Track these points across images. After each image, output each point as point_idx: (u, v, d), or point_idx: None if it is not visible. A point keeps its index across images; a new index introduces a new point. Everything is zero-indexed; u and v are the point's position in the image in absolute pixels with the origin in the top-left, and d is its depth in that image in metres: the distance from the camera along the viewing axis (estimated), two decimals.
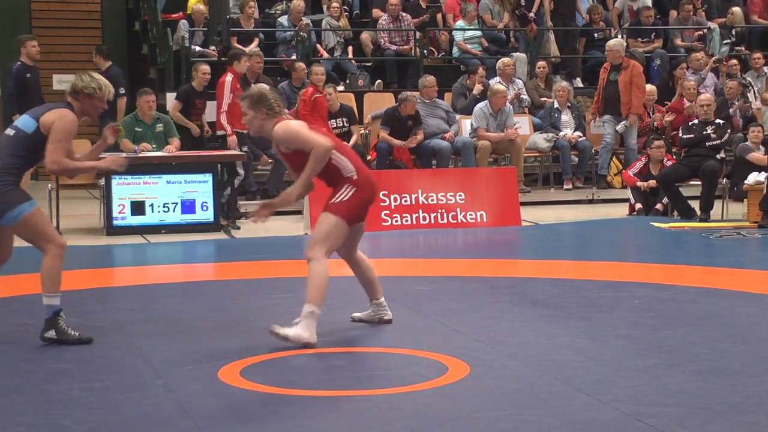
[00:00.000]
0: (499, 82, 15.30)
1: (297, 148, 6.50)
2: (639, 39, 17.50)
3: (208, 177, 11.83)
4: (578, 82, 17.17)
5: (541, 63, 16.38)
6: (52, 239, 6.33)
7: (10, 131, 6.37)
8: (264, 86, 6.91)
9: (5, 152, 6.28)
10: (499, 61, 15.76)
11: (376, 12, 17.32)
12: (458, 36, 17.13)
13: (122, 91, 14.16)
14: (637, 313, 7.34)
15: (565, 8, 17.98)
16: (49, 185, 12.12)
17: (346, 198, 6.56)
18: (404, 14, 16.92)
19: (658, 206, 12.76)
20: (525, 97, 15.76)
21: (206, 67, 13.59)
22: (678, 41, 17.93)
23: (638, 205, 12.93)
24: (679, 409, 5.03)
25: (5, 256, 6.60)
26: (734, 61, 16.84)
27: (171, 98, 13.98)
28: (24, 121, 6.33)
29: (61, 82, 17.24)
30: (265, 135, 6.65)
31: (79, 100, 6.33)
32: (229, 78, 13.18)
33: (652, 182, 12.77)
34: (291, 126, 6.54)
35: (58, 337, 6.26)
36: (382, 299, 6.99)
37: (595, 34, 17.99)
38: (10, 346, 6.40)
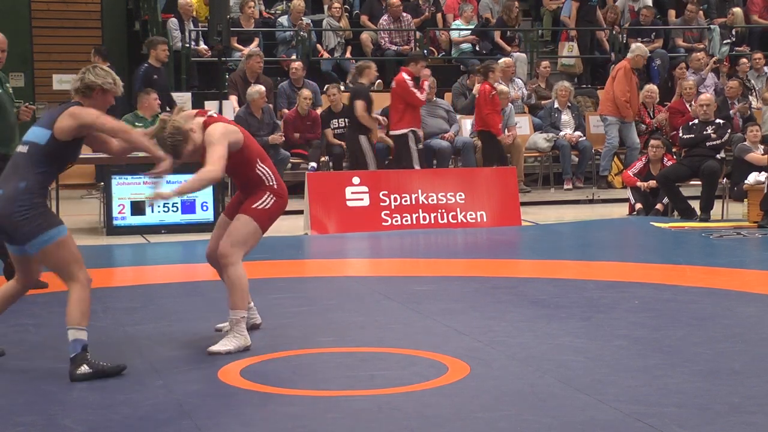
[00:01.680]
0: (499, 81, 15.30)
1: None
2: (639, 39, 17.52)
3: None
4: None
5: (544, 63, 16.40)
6: (81, 268, 5.77)
7: (22, 148, 5.82)
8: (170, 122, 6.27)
9: (27, 171, 5.72)
10: (500, 61, 15.76)
11: (363, 18, 17.35)
12: (455, 35, 17.17)
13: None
14: (638, 314, 7.33)
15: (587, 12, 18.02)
16: None
17: (267, 206, 6.43)
18: (405, 15, 16.93)
19: (658, 206, 12.76)
20: (526, 91, 15.81)
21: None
22: (679, 41, 17.94)
23: (638, 205, 12.93)
24: (679, 409, 5.03)
25: (29, 283, 6.02)
26: (744, 61, 16.82)
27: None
28: (35, 133, 5.79)
29: (61, 82, 17.21)
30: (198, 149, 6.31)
31: (93, 97, 5.89)
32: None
33: (652, 182, 12.77)
34: (217, 130, 6.28)
35: (93, 371, 5.63)
36: (252, 303, 6.81)
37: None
38: (10, 346, 6.39)
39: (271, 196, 6.46)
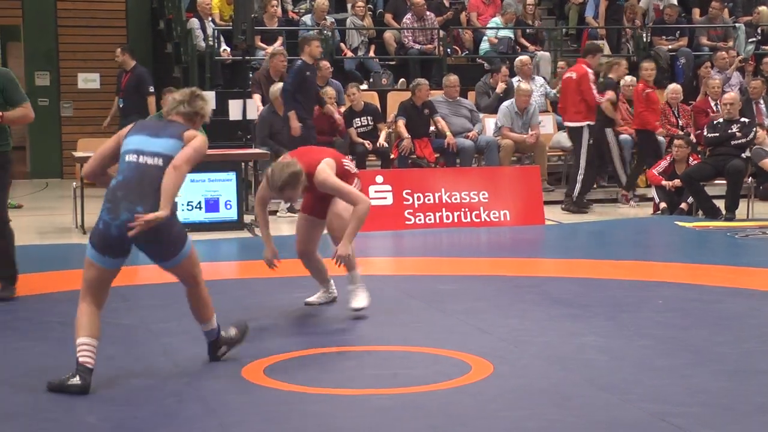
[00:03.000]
0: (519, 80, 15.31)
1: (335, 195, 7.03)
2: (663, 37, 17.44)
3: (232, 175, 11.84)
4: None
5: (561, 63, 16.37)
6: (200, 269, 5.77)
7: (154, 160, 5.45)
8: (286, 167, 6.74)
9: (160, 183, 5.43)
10: (517, 59, 15.76)
11: (387, 17, 17.37)
12: (491, 33, 17.14)
13: (151, 89, 14.22)
14: (662, 313, 7.30)
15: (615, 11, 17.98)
16: (74, 183, 12.17)
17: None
18: (429, 13, 16.92)
19: (683, 205, 12.71)
20: (551, 91, 15.77)
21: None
22: (704, 39, 17.84)
23: (663, 205, 12.88)
24: (705, 409, 5.01)
25: (104, 300, 5.63)
26: None
27: None
28: (166, 146, 5.49)
29: (86, 80, 17.30)
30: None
31: (195, 123, 5.76)
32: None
33: (677, 181, 12.72)
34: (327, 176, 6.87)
35: (228, 346, 5.98)
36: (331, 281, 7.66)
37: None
38: (35, 343, 6.43)
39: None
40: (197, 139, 5.60)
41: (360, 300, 7.18)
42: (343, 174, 6.98)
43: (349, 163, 7.31)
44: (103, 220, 5.41)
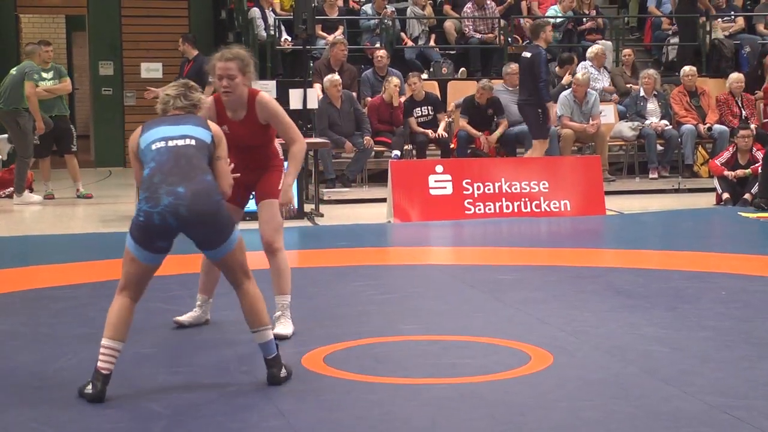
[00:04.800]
0: (591, 65, 15.26)
1: (274, 126, 6.18)
2: (721, 20, 17.20)
3: None
4: None
5: (626, 51, 16.23)
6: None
7: (186, 140, 5.23)
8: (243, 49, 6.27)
9: (204, 164, 5.23)
10: (589, 49, 15.70)
11: (446, 8, 17.33)
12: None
13: (211, 79, 14.28)
14: (724, 304, 7.23)
15: None
16: None
17: (281, 186, 6.34)
18: (490, 2, 16.86)
19: (747, 196, 12.56)
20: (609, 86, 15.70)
21: None
22: (761, 27, 17.57)
23: (725, 195, 12.75)
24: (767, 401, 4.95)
25: (141, 295, 5.33)
26: None
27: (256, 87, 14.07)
28: (195, 131, 5.29)
29: (148, 70, 17.43)
30: (236, 103, 6.17)
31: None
32: None
33: (741, 172, 12.58)
34: (273, 100, 6.23)
35: (288, 373, 5.37)
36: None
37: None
38: (99, 330, 6.50)
39: (281, 172, 6.38)
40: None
41: (286, 327, 6.31)
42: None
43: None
44: (144, 211, 5.07)
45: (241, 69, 6.12)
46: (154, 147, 5.22)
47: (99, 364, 5.03)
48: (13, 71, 13.82)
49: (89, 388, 5.01)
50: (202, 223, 5.13)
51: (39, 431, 4.66)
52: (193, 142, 5.23)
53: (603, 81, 15.59)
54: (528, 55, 13.16)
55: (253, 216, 7.19)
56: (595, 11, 17.82)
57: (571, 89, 14.44)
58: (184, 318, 6.61)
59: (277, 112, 6.16)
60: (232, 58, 6.13)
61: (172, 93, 5.51)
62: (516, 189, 12.08)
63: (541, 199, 12.10)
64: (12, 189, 14.18)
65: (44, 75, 14.07)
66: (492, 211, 11.95)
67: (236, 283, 5.35)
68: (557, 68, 15.56)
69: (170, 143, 5.20)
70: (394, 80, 14.27)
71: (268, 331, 5.30)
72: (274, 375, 5.27)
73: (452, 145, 14.32)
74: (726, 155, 12.93)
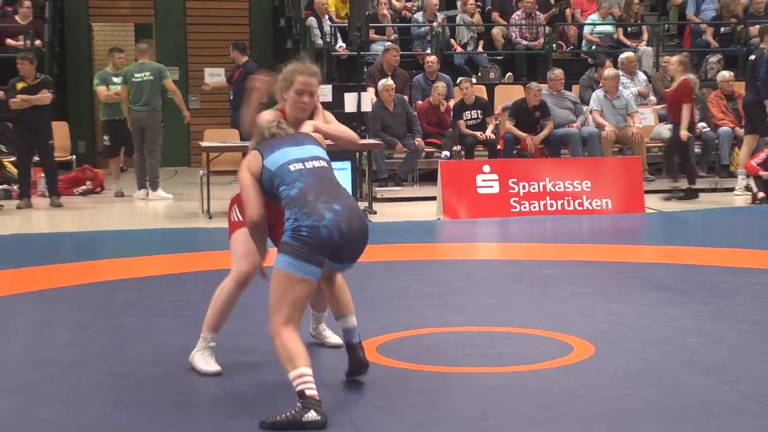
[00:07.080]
0: (622, 74, 15.17)
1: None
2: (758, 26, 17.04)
3: (347, 164, 11.88)
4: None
5: (667, 57, 16.11)
6: None
7: (321, 162, 5.02)
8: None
9: (341, 183, 5.07)
10: (622, 56, 15.62)
11: (494, 15, 17.33)
12: (587, 30, 16.99)
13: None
14: (760, 299, 7.17)
15: None
16: (201, 171, 12.40)
17: None
18: (537, 12, 16.86)
19: None
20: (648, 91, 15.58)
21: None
22: None
23: (761, 194, 12.64)
24: None
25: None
26: None
27: None
28: (313, 149, 5.08)
29: (212, 75, 17.56)
30: (302, 120, 5.48)
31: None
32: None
33: None
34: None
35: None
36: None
37: (722, 29, 17.61)
38: (166, 320, 6.57)
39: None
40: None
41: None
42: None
43: None
44: (306, 226, 4.69)
45: (318, 85, 5.57)
46: (292, 168, 4.89)
47: (309, 392, 4.52)
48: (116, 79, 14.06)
49: (313, 415, 4.47)
50: (359, 237, 4.86)
51: (113, 416, 4.72)
52: (324, 163, 5.01)
53: (633, 87, 15.45)
54: (752, 57, 13.36)
55: None
56: (640, 19, 17.72)
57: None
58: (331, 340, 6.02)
59: (333, 117, 6.02)
60: (316, 74, 5.46)
61: (270, 118, 5.25)
62: (560, 188, 12.05)
63: (584, 197, 12.07)
64: (85, 187, 14.36)
65: (114, 80, 14.24)
66: (536, 209, 11.94)
67: (331, 276, 5.22)
68: (595, 73, 15.49)
69: (308, 165, 4.93)
70: (440, 86, 14.29)
71: (352, 318, 5.23)
72: (361, 357, 5.13)
73: (499, 146, 14.31)
74: (762, 156, 12.81)
